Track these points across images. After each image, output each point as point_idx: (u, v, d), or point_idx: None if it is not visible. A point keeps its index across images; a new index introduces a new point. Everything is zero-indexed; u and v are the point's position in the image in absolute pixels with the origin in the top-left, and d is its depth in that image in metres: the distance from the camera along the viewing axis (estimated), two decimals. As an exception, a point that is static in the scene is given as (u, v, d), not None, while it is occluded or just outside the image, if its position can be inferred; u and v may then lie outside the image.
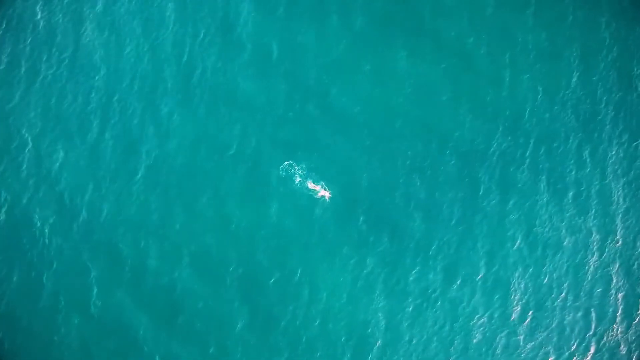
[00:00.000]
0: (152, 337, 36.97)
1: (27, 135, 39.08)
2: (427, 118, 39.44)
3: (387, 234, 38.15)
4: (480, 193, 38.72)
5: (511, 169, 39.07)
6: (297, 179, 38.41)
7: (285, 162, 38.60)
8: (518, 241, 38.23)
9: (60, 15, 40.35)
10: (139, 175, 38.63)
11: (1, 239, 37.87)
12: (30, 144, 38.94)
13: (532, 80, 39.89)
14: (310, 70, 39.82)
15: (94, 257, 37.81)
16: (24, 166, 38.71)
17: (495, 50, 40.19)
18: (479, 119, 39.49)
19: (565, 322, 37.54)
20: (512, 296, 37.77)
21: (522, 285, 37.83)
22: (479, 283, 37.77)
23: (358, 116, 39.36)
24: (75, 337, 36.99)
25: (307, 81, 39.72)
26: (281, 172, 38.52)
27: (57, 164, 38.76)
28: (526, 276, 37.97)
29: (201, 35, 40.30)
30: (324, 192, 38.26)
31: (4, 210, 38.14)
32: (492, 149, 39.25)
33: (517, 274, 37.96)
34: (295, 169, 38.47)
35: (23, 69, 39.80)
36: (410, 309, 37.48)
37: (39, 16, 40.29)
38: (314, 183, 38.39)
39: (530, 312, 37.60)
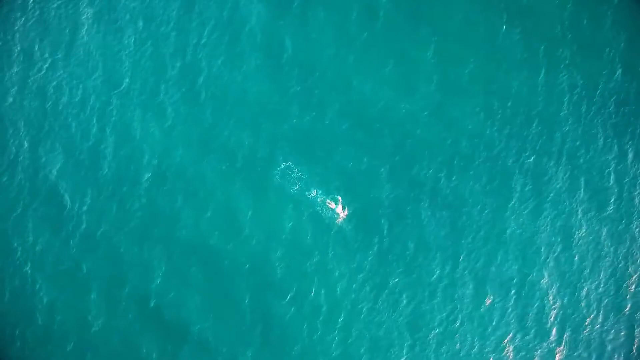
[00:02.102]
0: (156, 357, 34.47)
1: (23, 138, 36.44)
2: (451, 122, 36.43)
3: (409, 249, 35.37)
4: (512, 203, 35.58)
5: (545, 178, 36.04)
6: (313, 193, 35.76)
7: (298, 173, 35.92)
8: (555, 253, 35.27)
9: (56, 11, 37.43)
10: (144, 179, 36.11)
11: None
12: (26, 145, 36.26)
13: (570, 78, 36.59)
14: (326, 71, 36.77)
15: (93, 267, 35.51)
16: (19, 170, 36.02)
17: (531, 44, 36.77)
18: (509, 121, 36.29)
19: (605, 341, 34.53)
20: (547, 313, 34.88)
21: (558, 301, 34.84)
22: (510, 299, 34.85)
23: (375, 123, 36.37)
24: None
25: (323, 85, 36.66)
26: (294, 186, 35.82)
27: (55, 170, 36.04)
28: (562, 292, 35.00)
29: (208, 31, 37.24)
30: (340, 208, 35.55)
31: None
32: (526, 153, 36.04)
33: (552, 289, 35.00)
34: (305, 180, 35.77)
35: (15, 69, 37.03)
36: (437, 328, 34.73)
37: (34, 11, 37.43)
38: (329, 198, 35.58)
39: (567, 331, 34.70)
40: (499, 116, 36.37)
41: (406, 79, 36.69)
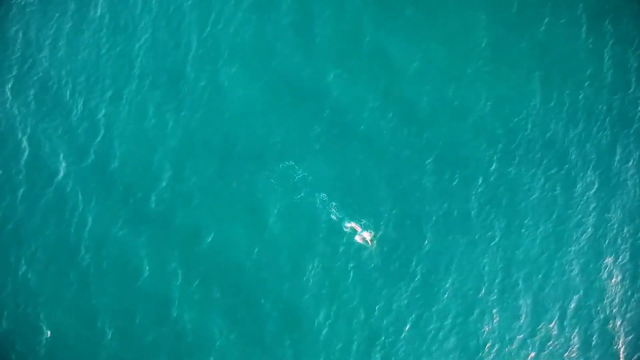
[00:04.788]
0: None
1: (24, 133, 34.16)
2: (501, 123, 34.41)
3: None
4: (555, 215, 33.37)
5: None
6: (334, 217, 33.46)
7: (323, 196, 33.60)
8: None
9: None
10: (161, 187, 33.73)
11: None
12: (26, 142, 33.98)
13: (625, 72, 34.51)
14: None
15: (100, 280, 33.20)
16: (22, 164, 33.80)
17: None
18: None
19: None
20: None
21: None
22: (555, 323, 32.76)
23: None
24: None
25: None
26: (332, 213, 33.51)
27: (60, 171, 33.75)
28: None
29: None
30: (365, 233, 33.31)
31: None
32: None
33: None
34: (331, 205, 33.40)
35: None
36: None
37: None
38: (354, 222, 33.24)
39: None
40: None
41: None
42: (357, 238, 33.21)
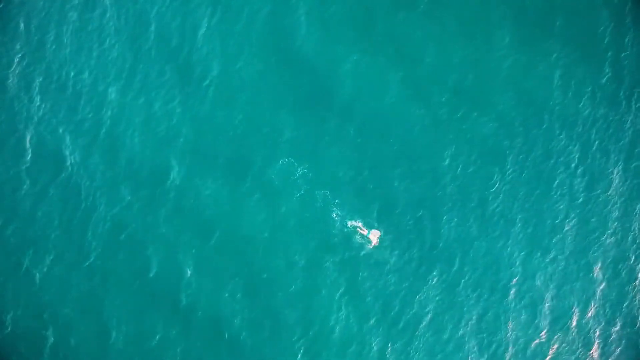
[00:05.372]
0: None
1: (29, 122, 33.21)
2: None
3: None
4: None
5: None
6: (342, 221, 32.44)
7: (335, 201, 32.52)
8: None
9: None
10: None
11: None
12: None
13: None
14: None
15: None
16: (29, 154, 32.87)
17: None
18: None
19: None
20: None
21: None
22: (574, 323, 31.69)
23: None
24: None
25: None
26: (336, 216, 32.50)
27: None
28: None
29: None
30: (373, 234, 32.21)
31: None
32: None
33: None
34: (338, 208, 32.29)
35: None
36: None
37: None
38: (362, 225, 32.15)
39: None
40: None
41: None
42: (371, 236, 32.28)
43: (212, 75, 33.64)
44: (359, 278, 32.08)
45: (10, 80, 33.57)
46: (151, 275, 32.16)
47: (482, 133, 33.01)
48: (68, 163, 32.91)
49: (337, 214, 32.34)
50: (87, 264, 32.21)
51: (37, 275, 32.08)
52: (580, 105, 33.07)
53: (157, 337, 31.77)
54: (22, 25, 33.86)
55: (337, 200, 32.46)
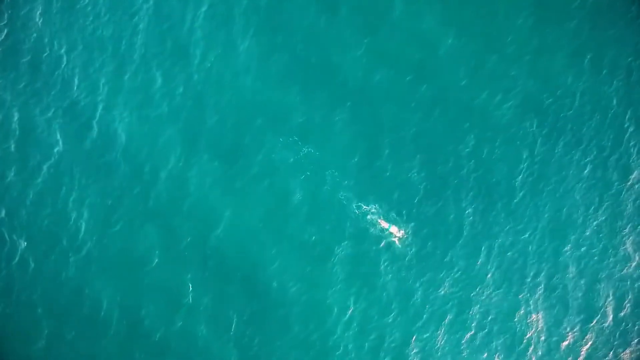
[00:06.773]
0: None
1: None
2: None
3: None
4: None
5: None
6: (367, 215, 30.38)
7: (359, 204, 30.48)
8: None
9: None
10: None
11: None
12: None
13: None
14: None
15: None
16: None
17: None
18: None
19: None
20: None
21: None
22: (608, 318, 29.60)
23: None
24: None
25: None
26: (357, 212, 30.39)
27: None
28: None
29: None
30: (396, 231, 30.20)
31: None
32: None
33: None
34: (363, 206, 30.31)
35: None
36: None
37: None
38: (385, 220, 30.13)
39: None
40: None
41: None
42: (392, 230, 30.15)
43: (214, 55, 31.42)
44: (380, 268, 29.95)
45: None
46: (152, 265, 29.98)
47: (507, 117, 30.98)
48: (56, 150, 30.62)
49: (357, 207, 30.25)
50: (82, 254, 30.00)
51: (32, 264, 29.90)
52: (611, 88, 31.17)
53: (158, 335, 29.66)
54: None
55: (349, 190, 30.38)
